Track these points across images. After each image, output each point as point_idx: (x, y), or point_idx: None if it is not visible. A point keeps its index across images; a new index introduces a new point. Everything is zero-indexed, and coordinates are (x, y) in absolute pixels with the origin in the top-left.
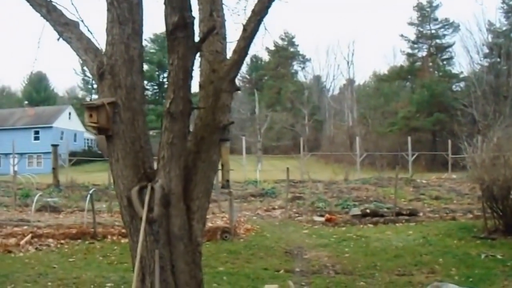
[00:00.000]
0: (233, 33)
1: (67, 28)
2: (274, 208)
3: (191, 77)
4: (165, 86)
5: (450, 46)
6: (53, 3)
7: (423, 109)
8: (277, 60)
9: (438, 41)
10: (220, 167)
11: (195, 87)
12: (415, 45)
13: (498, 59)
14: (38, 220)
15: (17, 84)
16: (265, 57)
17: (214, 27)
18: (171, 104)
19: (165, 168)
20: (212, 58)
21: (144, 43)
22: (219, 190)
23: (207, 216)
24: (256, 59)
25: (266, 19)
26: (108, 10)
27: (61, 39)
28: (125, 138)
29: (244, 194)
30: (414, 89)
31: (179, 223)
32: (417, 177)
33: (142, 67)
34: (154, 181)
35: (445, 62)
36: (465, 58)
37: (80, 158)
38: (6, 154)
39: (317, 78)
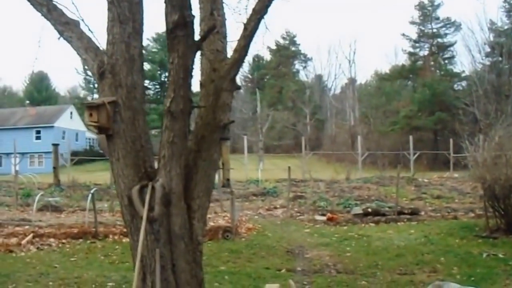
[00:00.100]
0: (234, 32)
1: (67, 27)
2: (275, 207)
3: (192, 75)
4: (167, 85)
5: (451, 45)
6: (53, 2)
7: (424, 108)
8: (279, 59)
9: (439, 40)
10: (220, 166)
11: (196, 86)
12: (417, 44)
13: (500, 58)
14: (40, 220)
15: (18, 83)
16: (267, 56)
17: (215, 26)
18: (172, 103)
19: (165, 167)
20: (213, 57)
21: (146, 42)
22: (221, 190)
23: (209, 216)
24: (258, 58)
25: (267, 18)
26: (109, 9)
27: (61, 38)
28: (126, 137)
29: (246, 193)
30: (415, 88)
31: (180, 222)
32: (419, 176)
33: (143, 66)
34: (155, 180)
35: (446, 61)
36: (467, 57)
37: (82, 158)
38: (8, 154)
39: (319, 77)
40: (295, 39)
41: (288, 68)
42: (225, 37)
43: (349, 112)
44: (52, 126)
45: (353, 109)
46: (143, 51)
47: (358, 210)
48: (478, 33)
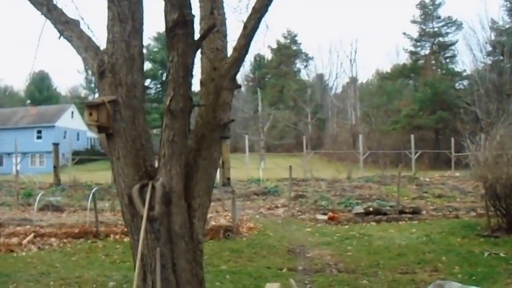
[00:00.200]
0: (235, 31)
1: (67, 27)
2: (277, 207)
3: (192, 74)
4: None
5: (453, 44)
6: (53, 1)
7: (426, 107)
8: (280, 59)
9: (441, 39)
10: (220, 165)
11: (196, 85)
12: (418, 43)
13: (501, 57)
14: (41, 220)
15: (19, 83)
16: (268, 55)
17: (214, 24)
18: (171, 101)
19: (166, 166)
20: (213, 56)
21: (147, 41)
22: (223, 189)
23: (211, 215)
24: (259, 57)
25: (268, 17)
26: (109, 8)
27: (62, 37)
28: (126, 136)
29: (247, 192)
30: (417, 87)
31: (180, 221)
32: (420, 175)
33: (143, 65)
34: (155, 179)
35: (448, 60)
36: (468, 56)
37: (83, 157)
38: (9, 154)
39: (320, 77)
40: (296, 38)
41: (289, 67)
42: (225, 36)
43: (350, 111)
44: (53, 126)
45: (355, 108)
46: (144, 50)
47: (359, 209)
48: (479, 32)
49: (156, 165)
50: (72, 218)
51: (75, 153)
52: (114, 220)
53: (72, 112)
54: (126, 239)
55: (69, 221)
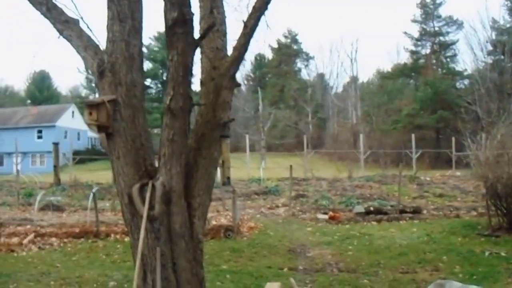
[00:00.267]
0: (235, 31)
1: (67, 26)
2: (277, 206)
3: (191, 73)
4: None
5: (453, 43)
6: (52, 1)
7: (426, 106)
8: (280, 58)
9: (441, 38)
10: (220, 164)
11: (197, 85)
12: (419, 43)
13: (502, 57)
14: (41, 219)
15: (20, 83)
16: (269, 55)
17: (214, 23)
18: (171, 100)
19: (166, 165)
20: (213, 55)
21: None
22: (223, 188)
23: (211, 214)
24: (259, 57)
25: (268, 17)
26: (108, 7)
27: (61, 37)
28: (126, 136)
29: (248, 192)
30: (417, 87)
31: (180, 220)
32: (421, 174)
33: (142, 64)
34: (155, 179)
35: (448, 60)
36: (469, 56)
37: (84, 157)
38: (9, 154)
39: (321, 76)
40: (296, 37)
41: (290, 66)
42: (225, 35)
43: (351, 110)
44: (54, 126)
45: (355, 107)
46: (145, 50)
47: (360, 208)
48: (480, 31)
49: (156, 164)
50: (73, 217)
51: (76, 153)
52: (114, 219)
53: (73, 112)
54: (127, 239)
55: (70, 221)
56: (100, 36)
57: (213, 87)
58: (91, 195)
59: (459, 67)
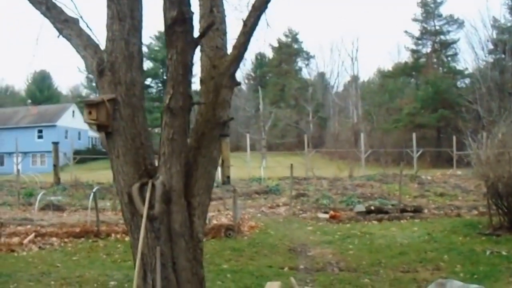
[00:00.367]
0: (235, 30)
1: (66, 25)
2: (278, 205)
3: (191, 72)
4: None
5: (454, 42)
6: (52, 0)
7: (427, 105)
8: (281, 57)
9: (442, 37)
10: (220, 163)
11: (198, 84)
12: (420, 42)
13: (503, 55)
14: (42, 219)
15: (20, 83)
16: (269, 54)
17: (213, 22)
18: (171, 99)
19: (166, 164)
20: (213, 53)
21: (149, 40)
22: (224, 188)
23: (212, 214)
24: (260, 56)
25: (269, 16)
26: (108, 6)
27: (61, 36)
28: (126, 135)
29: (249, 191)
30: (418, 86)
31: (180, 219)
32: (422, 173)
33: (142, 63)
34: (155, 178)
35: (449, 59)
36: (470, 55)
37: (84, 156)
38: (10, 153)
39: (321, 75)
40: (297, 36)
41: (290, 66)
42: (224, 33)
43: (352, 109)
44: (54, 125)
45: (356, 106)
46: (146, 49)
47: (361, 207)
48: (481, 30)
49: (156, 163)
50: (73, 217)
51: (77, 153)
52: (115, 219)
53: (73, 112)
54: (127, 238)
55: (70, 221)
56: (99, 35)
57: (213, 86)
58: (92, 194)
59: (460, 66)
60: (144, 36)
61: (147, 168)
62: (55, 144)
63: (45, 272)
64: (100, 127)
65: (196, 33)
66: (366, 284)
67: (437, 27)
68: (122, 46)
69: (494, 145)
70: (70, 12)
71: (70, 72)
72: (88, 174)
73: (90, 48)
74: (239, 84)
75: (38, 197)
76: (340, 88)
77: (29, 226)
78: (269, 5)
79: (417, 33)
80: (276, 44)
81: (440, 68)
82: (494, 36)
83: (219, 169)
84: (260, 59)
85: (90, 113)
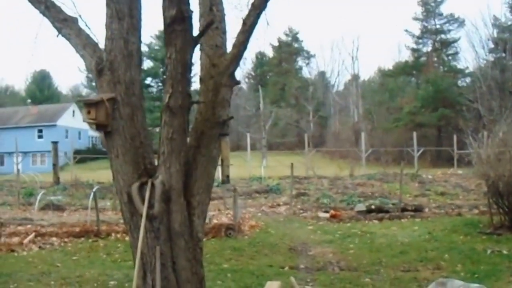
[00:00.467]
0: (235, 29)
1: (65, 24)
2: (278, 205)
3: (190, 71)
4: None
5: (455, 41)
6: None
7: (428, 104)
8: (281, 56)
9: (443, 36)
10: (219, 162)
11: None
12: (420, 40)
13: (504, 54)
14: (42, 219)
15: (20, 82)
16: (269, 53)
17: (213, 21)
18: (170, 98)
19: (165, 164)
20: (212, 52)
21: (149, 40)
22: (225, 187)
23: (212, 213)
24: (260, 55)
25: (269, 15)
26: (107, 5)
27: (60, 35)
28: (125, 134)
29: (249, 190)
30: (419, 85)
31: (180, 219)
32: (423, 172)
33: (141, 61)
34: (155, 177)
35: (450, 57)
36: (471, 53)
37: (85, 156)
38: (10, 153)
39: (322, 74)
40: (297, 35)
41: (291, 65)
42: (224, 32)
43: (352, 108)
44: (55, 125)
45: (357, 105)
46: (146, 49)
47: (361, 207)
48: (481, 29)
49: (156, 162)
50: (73, 217)
51: (77, 152)
52: (115, 219)
53: (73, 111)
54: (127, 238)
55: (70, 220)
56: (98, 34)
57: (212, 85)
58: (92, 194)
59: (460, 65)
60: (145, 35)
61: (147, 167)
62: (55, 143)
63: (45, 272)
64: (99, 127)
65: (195, 32)
66: (366, 283)
67: (438, 26)
68: (121, 45)
69: (495, 144)
70: (69, 11)
71: (70, 72)
72: (88, 173)
73: (89, 47)
74: (238, 83)
75: (38, 197)
76: (341, 87)
77: (29, 226)
78: (269, 4)
79: (417, 32)
80: (276, 43)
81: (441, 67)
82: (495, 35)
83: (219, 168)
84: (261, 58)
85: (89, 112)
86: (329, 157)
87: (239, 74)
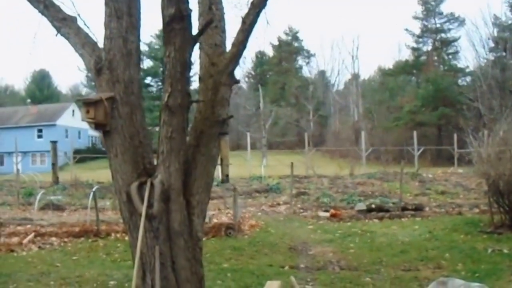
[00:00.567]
0: (235, 28)
1: (64, 24)
2: (279, 204)
3: (189, 70)
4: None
5: (455, 40)
6: None
7: (428, 103)
8: (281, 55)
9: (443, 35)
10: (219, 161)
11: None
12: (420, 39)
13: (504, 53)
14: (41, 219)
15: (20, 82)
16: (269, 52)
17: (212, 20)
18: (169, 97)
19: (164, 163)
20: (211, 51)
21: (149, 39)
22: (225, 186)
23: (212, 212)
24: (260, 54)
25: (269, 14)
26: (106, 4)
27: (59, 35)
28: (124, 133)
29: (249, 190)
30: (419, 84)
31: (179, 218)
32: (423, 171)
33: (139, 60)
34: (154, 176)
35: (450, 57)
36: (471, 52)
37: (84, 156)
38: (10, 153)
39: (322, 73)
40: (297, 34)
41: (291, 64)
42: (223, 31)
43: (352, 108)
44: (54, 125)
45: (357, 104)
46: (147, 48)
47: (361, 206)
48: (482, 28)
49: (155, 162)
50: (73, 217)
51: (77, 152)
52: (115, 218)
53: (73, 111)
54: (127, 238)
55: (70, 220)
56: (97, 33)
57: (211, 83)
58: (92, 194)
59: (460, 64)
60: (145, 34)
61: (146, 166)
62: (54, 143)
63: (45, 272)
64: (98, 126)
65: (194, 31)
66: (367, 282)
67: (438, 25)
68: (120, 44)
69: (495, 143)
70: (68, 10)
71: (69, 71)
72: (88, 173)
73: (88, 46)
74: (238, 82)
75: (38, 197)
76: (341, 86)
77: (28, 226)
78: (269, 2)
79: (417, 31)
80: (276, 42)
81: (441, 66)
82: (495, 34)
83: (218, 167)
84: (260, 57)
85: (88, 111)
86: (329, 156)
87: (239, 73)
